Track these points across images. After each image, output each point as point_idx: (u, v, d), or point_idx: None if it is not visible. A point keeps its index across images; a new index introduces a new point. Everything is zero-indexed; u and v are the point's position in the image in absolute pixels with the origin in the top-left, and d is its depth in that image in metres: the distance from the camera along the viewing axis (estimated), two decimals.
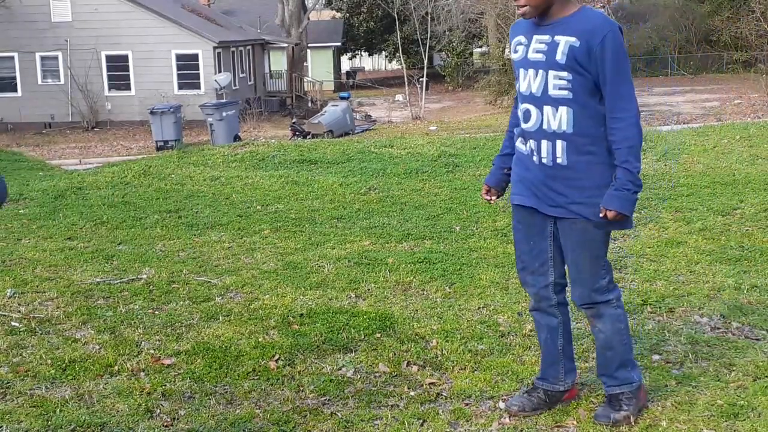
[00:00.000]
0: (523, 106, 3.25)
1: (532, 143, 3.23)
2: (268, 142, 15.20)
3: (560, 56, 3.08)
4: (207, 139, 21.54)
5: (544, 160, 3.20)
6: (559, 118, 3.13)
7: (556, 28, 3.11)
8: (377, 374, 3.89)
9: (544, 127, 3.17)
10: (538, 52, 3.15)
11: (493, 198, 3.56)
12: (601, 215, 3.10)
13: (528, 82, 3.19)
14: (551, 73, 3.11)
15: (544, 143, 3.18)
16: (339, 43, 46.55)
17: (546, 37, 3.12)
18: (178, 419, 3.48)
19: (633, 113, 3.08)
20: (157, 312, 4.88)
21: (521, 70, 3.24)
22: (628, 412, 3.30)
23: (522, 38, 3.23)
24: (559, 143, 3.15)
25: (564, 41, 3.07)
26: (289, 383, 3.80)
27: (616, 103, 3.08)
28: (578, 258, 3.26)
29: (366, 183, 9.32)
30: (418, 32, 31.43)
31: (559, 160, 3.17)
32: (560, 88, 3.11)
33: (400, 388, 3.73)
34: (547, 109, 3.15)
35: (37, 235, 7.12)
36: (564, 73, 3.09)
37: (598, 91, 3.11)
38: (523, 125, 3.26)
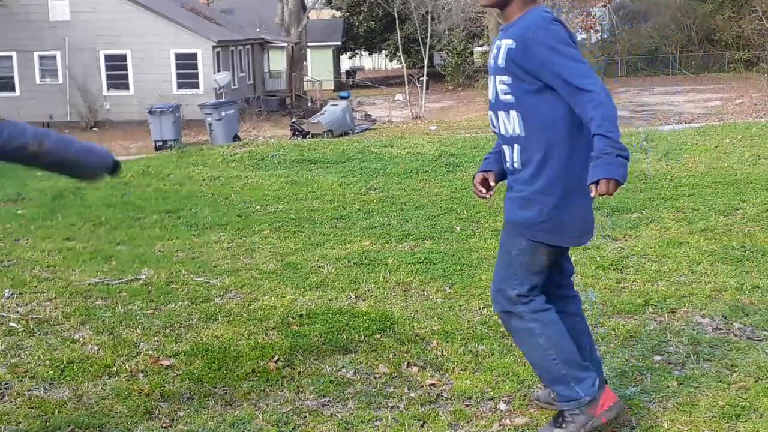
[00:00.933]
0: (489, 113, 3.21)
1: (502, 148, 3.20)
2: (268, 141, 15.19)
3: (501, 60, 3.03)
4: (206, 139, 21.53)
5: (508, 165, 3.15)
6: (513, 122, 3.05)
7: (505, 32, 3.07)
8: (377, 375, 3.87)
9: (503, 132, 3.11)
10: (492, 58, 3.12)
11: (489, 189, 3.29)
12: (592, 195, 2.85)
13: (489, 88, 3.16)
14: (497, 78, 3.06)
15: (506, 148, 3.13)
16: (339, 43, 46.55)
17: (498, 42, 3.09)
18: (177, 420, 3.46)
19: (597, 90, 2.83)
20: (155, 313, 4.86)
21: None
22: (566, 430, 3.17)
23: (492, 45, 3.21)
24: (515, 147, 3.08)
25: (504, 45, 3.02)
26: (289, 384, 3.78)
27: (575, 90, 2.86)
28: (499, 255, 3.20)
29: (366, 183, 9.30)
30: (418, 31, 31.44)
31: (516, 164, 3.10)
32: (505, 93, 3.04)
33: (400, 389, 3.71)
34: (502, 115, 3.09)
35: (36, 235, 7.10)
36: (505, 77, 3.02)
37: (542, 95, 2.97)
38: (493, 131, 3.23)
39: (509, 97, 3.03)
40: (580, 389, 3.15)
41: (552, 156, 3.01)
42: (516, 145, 3.07)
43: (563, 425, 3.19)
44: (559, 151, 3.00)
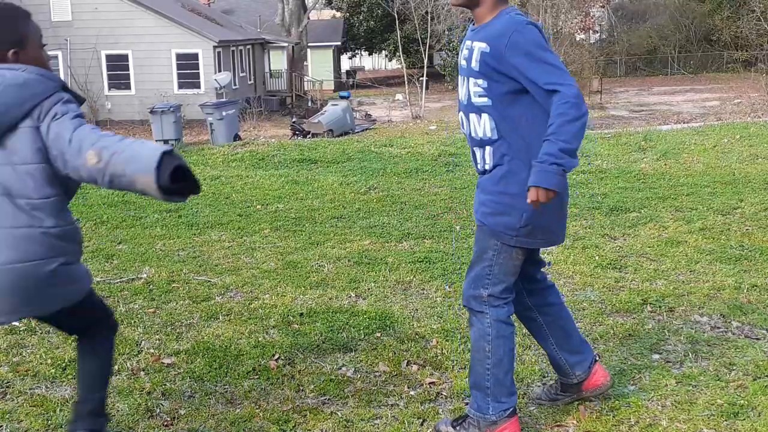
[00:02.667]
0: (459, 115, 3.19)
1: (472, 149, 3.19)
2: (268, 141, 15.21)
3: (474, 63, 3.01)
4: (207, 139, 21.55)
5: (479, 166, 3.14)
6: (483, 125, 3.03)
7: (476, 34, 3.04)
8: (377, 373, 3.89)
9: (473, 134, 3.09)
10: (463, 59, 3.10)
11: None
12: (528, 201, 2.87)
13: (459, 89, 3.14)
14: (470, 80, 3.04)
15: (477, 150, 3.12)
16: (339, 43, 46.54)
17: (469, 44, 3.06)
18: (178, 419, 3.48)
19: (566, 92, 2.82)
20: (156, 311, 4.88)
21: (459, 78, 3.19)
22: None
23: (462, 45, 3.19)
24: (487, 149, 3.06)
25: (477, 48, 3.00)
26: (289, 382, 3.80)
27: (547, 93, 2.86)
28: (474, 252, 3.19)
29: (366, 182, 9.32)
30: (418, 31, 31.43)
31: (487, 166, 3.08)
32: (479, 96, 3.02)
33: (400, 388, 3.73)
34: (473, 117, 3.07)
35: None
36: (480, 81, 3.00)
37: (517, 98, 2.96)
38: (462, 132, 3.22)
39: (484, 100, 3.01)
40: (492, 407, 3.15)
41: (525, 158, 2.98)
42: (488, 147, 3.06)
43: (459, 429, 3.20)
44: (534, 154, 2.93)
